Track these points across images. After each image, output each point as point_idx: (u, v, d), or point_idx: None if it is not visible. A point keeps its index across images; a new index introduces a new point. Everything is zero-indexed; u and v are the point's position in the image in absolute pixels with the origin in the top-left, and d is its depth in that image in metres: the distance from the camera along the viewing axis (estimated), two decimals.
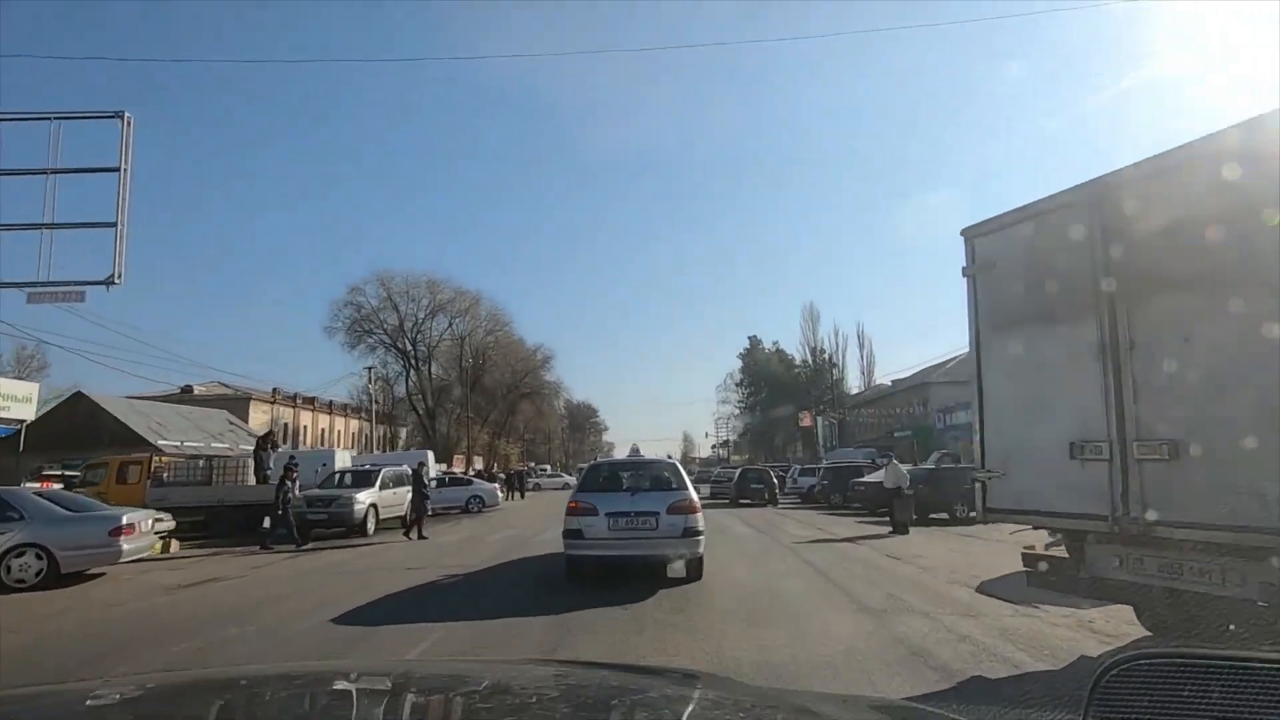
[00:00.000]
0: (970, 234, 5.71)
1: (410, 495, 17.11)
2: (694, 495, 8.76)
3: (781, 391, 76.72)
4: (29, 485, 18.54)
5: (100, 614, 7.71)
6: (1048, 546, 11.77)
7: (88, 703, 1.53)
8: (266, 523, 18.15)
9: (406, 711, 1.57)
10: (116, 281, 12.01)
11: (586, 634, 5.99)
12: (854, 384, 72.30)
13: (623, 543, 8.20)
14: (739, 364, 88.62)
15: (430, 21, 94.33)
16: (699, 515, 8.47)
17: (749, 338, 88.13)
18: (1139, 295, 4.47)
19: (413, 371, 59.37)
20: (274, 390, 54.09)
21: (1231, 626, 4.38)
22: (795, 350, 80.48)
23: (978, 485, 5.49)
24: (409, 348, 58.66)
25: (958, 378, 51.56)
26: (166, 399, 39.55)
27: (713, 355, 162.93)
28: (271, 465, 18.70)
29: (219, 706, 1.58)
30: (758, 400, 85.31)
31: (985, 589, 8.02)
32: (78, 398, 29.04)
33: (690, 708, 1.60)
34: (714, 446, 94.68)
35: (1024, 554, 5.60)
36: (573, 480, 40.99)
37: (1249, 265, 3.88)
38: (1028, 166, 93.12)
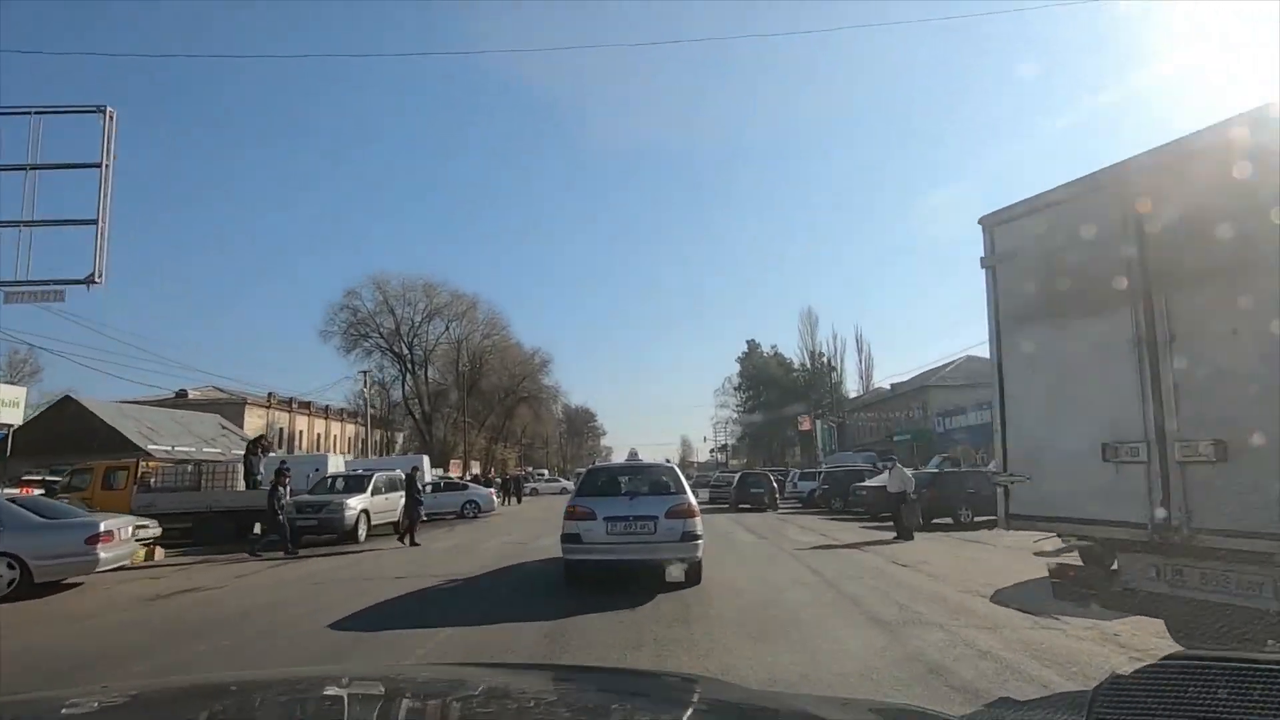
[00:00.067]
0: (989, 223, 5.37)
1: (403, 501, 16.79)
2: (692, 499, 8.70)
3: (780, 395, 76.40)
4: (7, 491, 18.09)
5: (68, 628, 7.32)
6: (1058, 553, 11.46)
7: (63, 711, 1.50)
8: (257, 529, 17.82)
9: (401, 716, 1.56)
10: (97, 281, 11.65)
11: (582, 654, 5.62)
12: (852, 388, 72.08)
13: (621, 547, 8.17)
14: (737, 368, 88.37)
15: (429, 21, 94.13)
16: (697, 519, 8.43)
17: (747, 341, 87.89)
18: (1179, 285, 4.13)
19: (409, 375, 58.99)
20: (269, 395, 53.67)
21: (1270, 642, 4.05)
22: (794, 354, 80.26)
23: (999, 490, 5.13)
24: (405, 351, 58.28)
25: (956, 381, 51.55)
26: (160, 403, 39.16)
27: (711, 359, 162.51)
28: (262, 470, 18.35)
29: (207, 714, 1.56)
30: (756, 404, 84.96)
31: (1000, 598, 7.68)
32: (66, 402, 28.66)
33: (689, 711, 1.60)
34: (712, 451, 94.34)
35: (1050, 564, 5.21)
36: (570, 485, 40.70)
37: None
38: (1029, 168, 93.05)
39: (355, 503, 16.37)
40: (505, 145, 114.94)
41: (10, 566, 9.08)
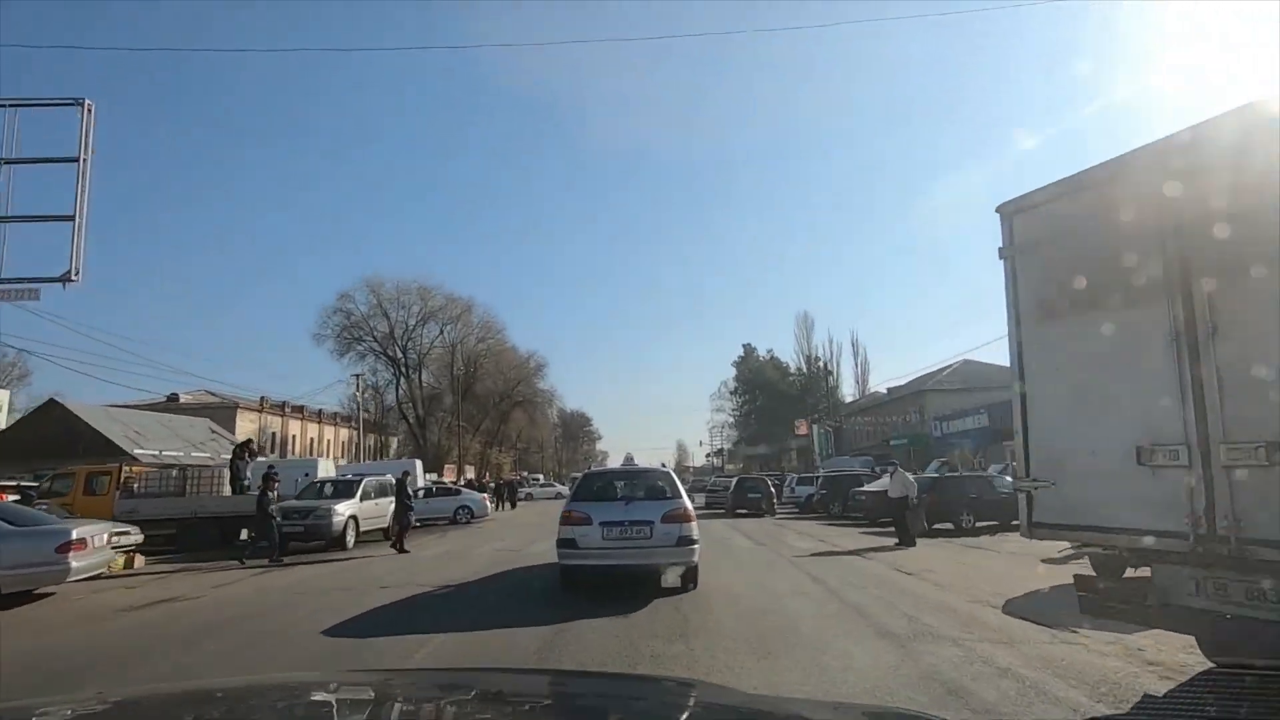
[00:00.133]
0: (1008, 211, 5.04)
1: (393, 507, 16.40)
2: (688, 504, 8.70)
3: (776, 400, 76.15)
4: None
5: (30, 642, 6.89)
6: (1066, 560, 11.10)
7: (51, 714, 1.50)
8: (244, 535, 17.38)
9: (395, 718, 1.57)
10: (74, 279, 11.26)
11: None
12: (848, 392, 71.83)
13: (617, 552, 8.16)
14: (733, 372, 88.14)
15: (429, 21, 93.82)
16: (693, 524, 8.44)
17: (743, 345, 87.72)
18: (1221, 272, 3.79)
19: (403, 379, 58.59)
20: (262, 399, 53.13)
21: None
22: (790, 358, 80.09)
23: (1022, 496, 4.78)
24: (399, 355, 57.91)
25: (953, 385, 51.35)
26: (152, 407, 38.71)
27: (707, 363, 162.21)
28: (249, 475, 17.92)
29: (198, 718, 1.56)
30: (752, 408, 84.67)
31: (1012, 609, 7.33)
32: (51, 405, 28.15)
33: (685, 715, 1.62)
34: (708, 455, 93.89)
35: (1076, 576, 4.86)
36: (566, 490, 40.28)
37: None
38: (1029, 172, 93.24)
39: (343, 508, 15.95)
40: (502, 147, 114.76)
41: None
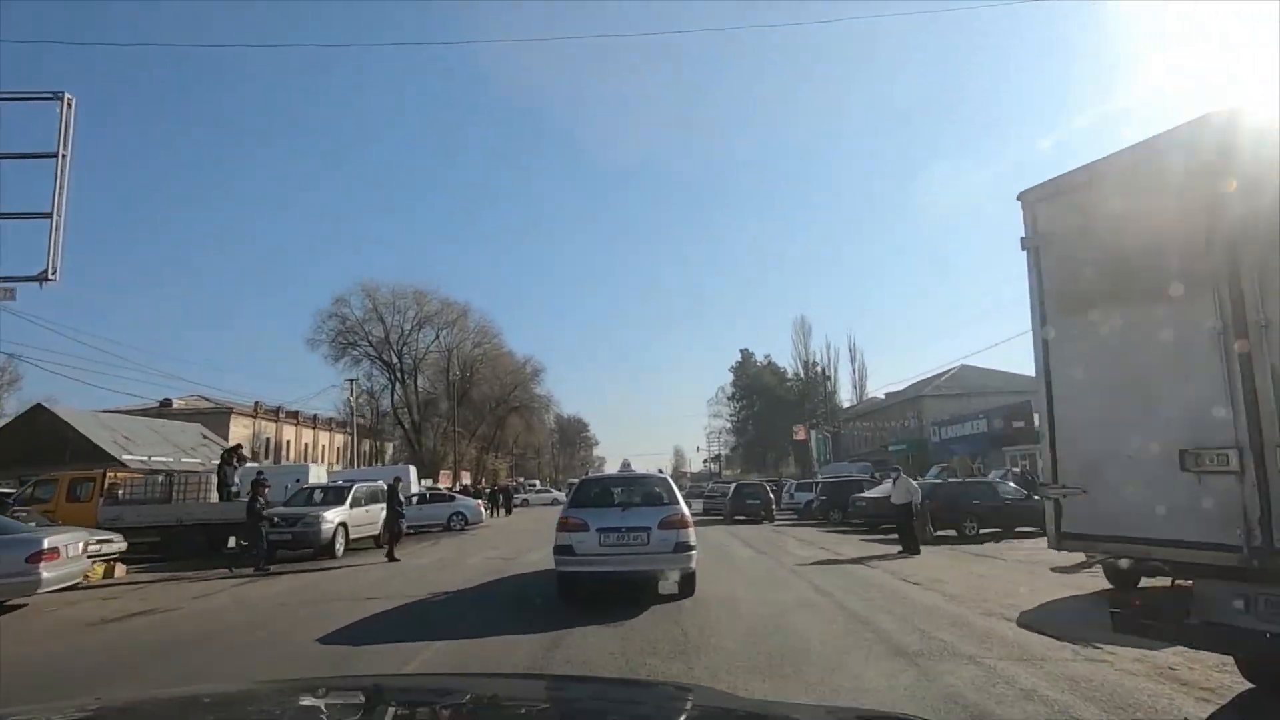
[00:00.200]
0: (1031, 198, 4.70)
1: (384, 513, 16.01)
2: (686, 510, 8.67)
3: (774, 405, 75.87)
4: None
5: None
6: (1077, 568, 10.74)
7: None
8: (232, 542, 16.96)
9: None
10: (51, 278, 10.85)
11: None
12: (846, 398, 71.54)
13: (614, 559, 8.11)
14: (731, 377, 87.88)
15: (428, 22, 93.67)
16: (691, 530, 8.42)
17: (741, 351, 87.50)
18: (1275, 260, 3.46)
19: (398, 384, 58.12)
20: (256, 404, 52.66)
21: None
22: (787, 364, 79.86)
23: (1049, 505, 4.43)
24: (395, 360, 57.46)
25: (952, 391, 51.07)
26: (145, 413, 38.25)
27: (704, 369, 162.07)
28: (237, 481, 17.52)
29: None
30: (750, 414, 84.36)
31: (1028, 622, 6.97)
32: (38, 411, 27.72)
33: (681, 719, 1.65)
34: (705, 461, 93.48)
35: (1111, 591, 4.50)
36: (562, 496, 39.90)
37: None
38: (1030, 175, 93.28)
39: (332, 515, 15.53)
40: (500, 151, 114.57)
41: None
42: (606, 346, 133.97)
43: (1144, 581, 9.03)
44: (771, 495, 26.88)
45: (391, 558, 14.24)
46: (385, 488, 16.87)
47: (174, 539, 16.39)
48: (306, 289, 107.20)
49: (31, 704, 3.38)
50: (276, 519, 14.84)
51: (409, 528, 19.14)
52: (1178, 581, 4.31)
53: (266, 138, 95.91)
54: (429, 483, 39.83)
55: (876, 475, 35.82)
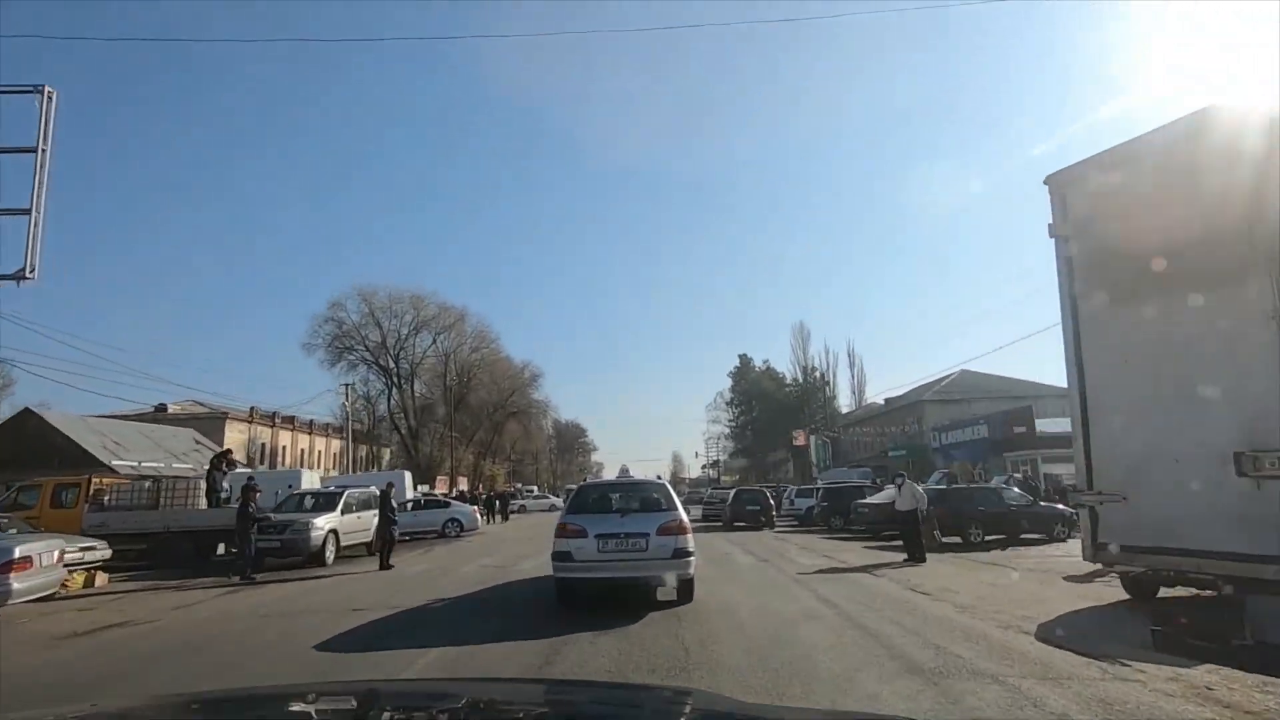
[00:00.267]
0: (1060, 182, 4.37)
1: (377, 520, 15.60)
2: (684, 516, 8.64)
3: (773, 410, 75.40)
4: None
5: None
6: (1090, 577, 10.34)
7: None
8: (221, 550, 16.54)
9: None
10: (29, 276, 10.52)
11: None
12: (845, 403, 71.15)
13: (613, 565, 8.09)
14: (729, 383, 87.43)
15: (430, 22, 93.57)
16: (689, 536, 8.38)
17: (739, 356, 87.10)
18: None
19: (395, 389, 57.64)
20: (251, 409, 52.13)
21: None
22: (786, 369, 79.46)
23: (1083, 513, 4.08)
24: (391, 365, 57.00)
25: (952, 396, 50.71)
26: (139, 418, 37.78)
27: (703, 374, 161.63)
28: (226, 487, 17.12)
29: None
30: (749, 419, 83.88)
31: (1047, 636, 6.57)
32: (26, 415, 27.24)
33: None
34: (704, 467, 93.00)
35: (1155, 608, 4.13)
36: (560, 502, 39.47)
37: None
38: (1029, 179, 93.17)
39: (322, 522, 15.14)
40: (499, 155, 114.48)
41: None
42: (605, 352, 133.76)
43: (1162, 591, 8.71)
44: (772, 501, 26.45)
45: (385, 565, 13.84)
46: (378, 494, 16.48)
47: (161, 546, 15.99)
48: (304, 293, 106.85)
49: (26, 710, 3.43)
50: (265, 526, 14.42)
51: (402, 534, 18.74)
52: (1221, 595, 3.96)
53: (264, 140, 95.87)
54: (425, 488, 39.42)
55: (878, 481, 35.46)
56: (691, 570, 8.33)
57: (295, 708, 1.73)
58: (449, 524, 24.06)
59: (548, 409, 71.95)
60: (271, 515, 15.25)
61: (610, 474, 78.16)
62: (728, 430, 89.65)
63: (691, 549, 8.34)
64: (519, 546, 18.53)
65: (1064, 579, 10.63)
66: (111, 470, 23.53)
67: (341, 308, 54.75)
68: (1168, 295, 3.72)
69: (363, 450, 61.62)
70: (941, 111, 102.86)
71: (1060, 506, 19.62)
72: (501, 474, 68.34)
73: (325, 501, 16.65)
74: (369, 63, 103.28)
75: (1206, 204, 3.58)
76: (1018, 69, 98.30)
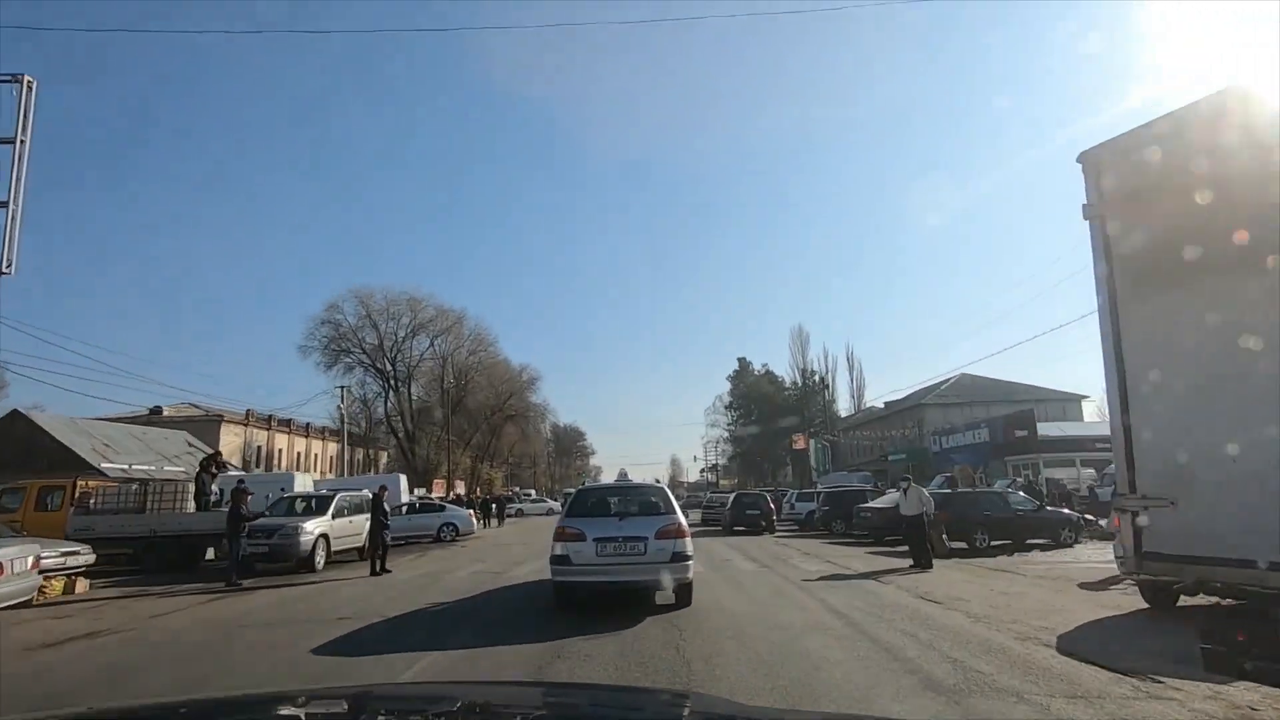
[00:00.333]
0: (1096, 158, 4.02)
1: (369, 524, 15.22)
2: (682, 520, 8.62)
3: (772, 414, 75.02)
4: None
5: None
6: (1105, 584, 9.96)
7: None
8: (210, 554, 16.16)
9: None
10: (5, 271, 10.15)
11: None
12: (844, 407, 70.81)
13: (611, 568, 8.10)
14: (728, 386, 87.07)
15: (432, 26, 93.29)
16: (687, 540, 8.39)
17: (738, 359, 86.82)
18: None
19: (392, 393, 57.26)
20: (248, 412, 51.73)
21: None
22: (785, 372, 79.15)
23: (1124, 519, 3.72)
24: (388, 368, 56.66)
25: (952, 399, 50.37)
26: (134, 420, 37.39)
27: (701, 378, 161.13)
28: (216, 490, 16.73)
29: None
30: (747, 423, 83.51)
31: (1069, 648, 6.23)
32: (14, 417, 26.81)
33: None
34: (702, 471, 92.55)
35: (1203, 625, 3.75)
36: (557, 506, 39.03)
37: None
38: (1032, 180, 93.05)
39: (312, 526, 14.74)
40: (497, 157, 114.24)
41: None
42: (603, 355, 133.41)
43: (1182, 600, 8.35)
44: (772, 506, 26.06)
45: (379, 571, 13.44)
46: (370, 497, 16.10)
47: (148, 551, 15.62)
48: (301, 295, 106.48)
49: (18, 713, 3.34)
50: (253, 530, 14.02)
51: (396, 539, 18.37)
52: (1249, 605, 3.60)
53: (262, 141, 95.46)
54: (421, 492, 39.01)
55: (879, 485, 35.10)
56: (690, 574, 8.32)
57: (291, 711, 1.72)
58: (444, 528, 23.66)
59: (546, 412, 71.64)
60: (262, 518, 14.85)
61: (608, 478, 77.65)
62: (726, 434, 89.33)
63: (690, 552, 8.34)
64: (514, 551, 18.15)
65: (1078, 586, 10.28)
66: (100, 473, 23.12)
67: (338, 310, 54.49)
68: (1222, 276, 3.38)
69: (360, 454, 61.22)
70: (942, 113, 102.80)
71: (1066, 511, 19.30)
72: (499, 478, 67.91)
73: (316, 505, 16.26)
74: (366, 63, 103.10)
75: (1267, 174, 3.23)
76: (1017, 71, 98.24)
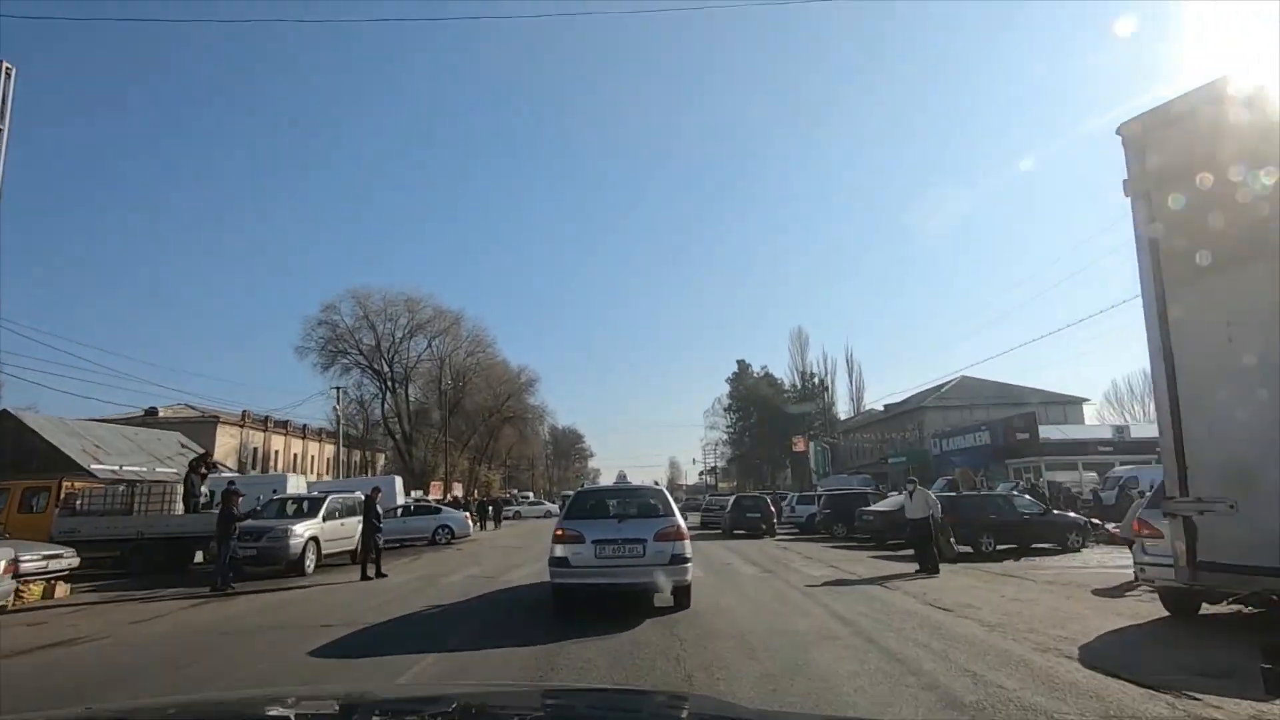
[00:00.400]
0: (1137, 131, 3.68)
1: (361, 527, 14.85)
2: (681, 522, 8.64)
3: (771, 417, 74.66)
4: None
5: None
6: (1122, 590, 9.59)
7: None
8: (199, 557, 15.79)
9: None
10: None
11: None
12: (843, 409, 70.47)
13: (610, 570, 8.12)
14: (727, 389, 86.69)
15: (432, 27, 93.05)
16: (686, 542, 8.43)
17: (737, 361, 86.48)
18: None
19: (389, 394, 56.84)
20: (243, 413, 51.28)
21: None
22: (784, 374, 78.82)
23: (1174, 524, 3.37)
24: (386, 369, 56.25)
25: (953, 402, 50.05)
26: (129, 422, 37.00)
27: (701, 380, 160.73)
28: (204, 492, 16.38)
29: None
30: (747, 426, 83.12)
31: (1095, 662, 5.85)
32: (3, 418, 26.42)
33: None
34: (701, 473, 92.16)
35: (1267, 643, 3.39)
36: (555, 508, 38.67)
37: None
38: (1030, 182, 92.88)
39: (302, 529, 14.39)
40: (495, 158, 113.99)
41: None
42: (602, 357, 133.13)
43: (1205, 609, 8.00)
44: (773, 508, 25.69)
45: (365, 575, 13.08)
46: (363, 499, 15.73)
47: (135, 554, 15.27)
48: (299, 297, 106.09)
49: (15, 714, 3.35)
50: (242, 532, 13.65)
51: (391, 542, 18.01)
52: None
53: (261, 141, 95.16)
54: (418, 494, 38.62)
55: (880, 488, 34.75)
56: (689, 576, 8.35)
57: (288, 713, 1.71)
58: (439, 531, 23.31)
59: (544, 414, 71.17)
60: (251, 521, 14.49)
61: (607, 480, 77.30)
62: (725, 436, 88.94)
63: (689, 554, 8.37)
64: (510, 554, 17.79)
65: (1092, 593, 9.93)
66: (90, 474, 22.73)
67: (335, 310, 54.07)
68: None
69: (357, 456, 60.76)
70: (944, 114, 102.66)
71: (1072, 515, 18.95)
72: (497, 480, 67.50)
73: (308, 508, 15.89)
74: (365, 63, 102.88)
75: None
76: (1017, 71, 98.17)
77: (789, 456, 67.00)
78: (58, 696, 5.58)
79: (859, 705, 4.63)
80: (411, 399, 58.45)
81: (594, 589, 8.29)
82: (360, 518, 14.93)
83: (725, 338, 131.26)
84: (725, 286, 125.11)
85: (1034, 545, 16.54)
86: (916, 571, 12.49)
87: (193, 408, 48.23)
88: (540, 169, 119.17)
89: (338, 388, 45.22)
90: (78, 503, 16.31)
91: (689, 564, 8.35)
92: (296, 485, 23.94)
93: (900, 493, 18.48)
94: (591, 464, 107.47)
